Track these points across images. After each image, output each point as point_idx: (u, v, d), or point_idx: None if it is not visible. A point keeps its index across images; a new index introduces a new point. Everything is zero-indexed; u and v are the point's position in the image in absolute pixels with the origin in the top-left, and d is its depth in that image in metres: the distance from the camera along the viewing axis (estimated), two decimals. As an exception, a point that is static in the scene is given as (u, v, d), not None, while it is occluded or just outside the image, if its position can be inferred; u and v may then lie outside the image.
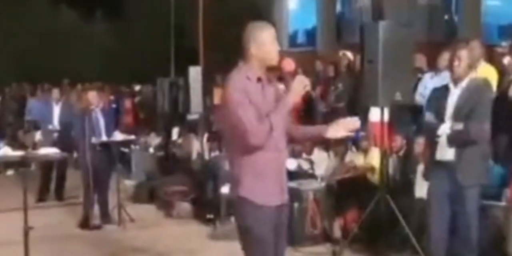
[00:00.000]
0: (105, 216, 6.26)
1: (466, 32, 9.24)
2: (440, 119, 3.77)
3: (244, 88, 2.65)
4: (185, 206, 6.55)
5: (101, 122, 6.18)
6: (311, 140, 3.16)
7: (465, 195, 3.69)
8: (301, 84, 2.71)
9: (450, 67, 3.80)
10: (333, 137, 2.83)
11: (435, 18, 10.76)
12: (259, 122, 2.61)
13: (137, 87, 12.42)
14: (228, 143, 2.82)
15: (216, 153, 7.30)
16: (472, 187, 3.70)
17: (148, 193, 7.31)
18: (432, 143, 3.84)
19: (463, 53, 3.75)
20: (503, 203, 4.25)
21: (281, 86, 2.95)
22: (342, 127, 2.78)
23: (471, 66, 3.83)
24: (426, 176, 4.13)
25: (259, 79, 2.73)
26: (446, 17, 10.93)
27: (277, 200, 2.74)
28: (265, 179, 2.69)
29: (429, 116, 3.82)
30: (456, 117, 3.64)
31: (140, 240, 5.66)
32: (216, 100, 8.29)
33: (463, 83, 3.80)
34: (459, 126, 3.65)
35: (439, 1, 10.80)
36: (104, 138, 6.12)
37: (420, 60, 6.09)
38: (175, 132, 9.05)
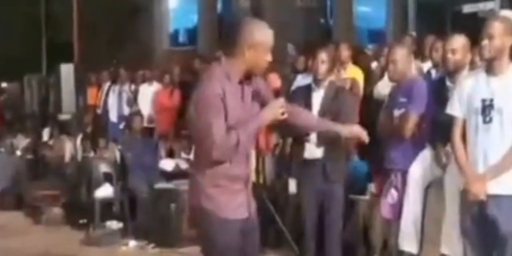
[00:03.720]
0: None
1: (340, 35, 9.72)
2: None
3: (221, 89, 2.36)
4: (56, 211, 6.20)
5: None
6: (315, 130, 3.08)
7: (332, 190, 3.87)
8: (277, 107, 2.44)
9: (312, 68, 3.96)
10: (347, 135, 2.79)
11: (312, 20, 11.18)
12: (227, 136, 2.36)
13: (3, 85, 11.55)
14: (195, 146, 2.60)
15: (90, 154, 7.00)
16: (338, 182, 3.89)
17: (15, 199, 6.89)
18: (300, 142, 3.97)
19: (323, 55, 3.92)
20: (367, 197, 4.52)
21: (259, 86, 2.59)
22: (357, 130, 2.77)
23: (332, 68, 4.00)
24: (296, 174, 4.27)
25: (240, 81, 2.45)
26: (322, 20, 11.41)
27: (242, 213, 2.50)
28: (229, 191, 2.47)
29: None
30: (323, 117, 3.79)
31: (4, 249, 5.25)
32: (90, 99, 7.98)
33: (325, 84, 3.97)
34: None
35: (315, 4, 11.24)
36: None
37: (299, 61, 6.30)
38: (45, 133, 8.58)
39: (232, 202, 2.47)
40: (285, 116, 2.46)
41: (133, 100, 7.50)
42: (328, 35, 10.46)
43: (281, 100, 2.48)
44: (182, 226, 5.27)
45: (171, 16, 13.53)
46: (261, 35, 2.43)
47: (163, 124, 7.15)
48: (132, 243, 5.32)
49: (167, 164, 6.13)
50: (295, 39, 8.20)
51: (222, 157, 2.40)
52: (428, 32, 5.74)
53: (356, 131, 2.77)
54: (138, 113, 6.64)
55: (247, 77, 2.47)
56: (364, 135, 2.79)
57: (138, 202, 5.58)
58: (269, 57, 2.45)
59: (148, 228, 5.40)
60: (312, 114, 2.72)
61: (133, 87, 7.76)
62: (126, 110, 7.49)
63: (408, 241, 3.70)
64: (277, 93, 2.47)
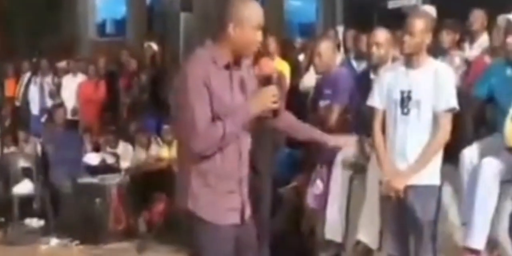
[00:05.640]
0: None
1: (270, 28, 9.76)
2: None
3: (206, 75, 2.11)
4: (-30, 210, 5.86)
5: None
6: (310, 141, 2.53)
7: (259, 181, 3.88)
8: (268, 95, 2.14)
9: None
10: (335, 145, 2.46)
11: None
12: (211, 126, 2.09)
13: None
14: (179, 139, 2.30)
15: (10, 149, 6.65)
16: (265, 173, 3.92)
17: None
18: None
19: None
20: (295, 184, 4.56)
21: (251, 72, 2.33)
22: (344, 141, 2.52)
23: (257, 60, 4.00)
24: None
25: (227, 66, 2.18)
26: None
27: (234, 218, 2.20)
28: (219, 192, 2.17)
29: None
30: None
31: None
32: (8, 91, 7.59)
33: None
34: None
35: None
36: None
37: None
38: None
39: (222, 205, 2.17)
40: (277, 105, 2.17)
41: (56, 92, 7.19)
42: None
43: (273, 88, 2.18)
44: (108, 222, 5.17)
45: (98, 6, 13.12)
46: (247, 11, 2.16)
47: (88, 117, 6.92)
48: (54, 241, 5.15)
49: (92, 158, 5.94)
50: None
51: (205, 150, 2.11)
52: (355, 26, 5.87)
53: (343, 142, 2.55)
54: (61, 105, 6.40)
55: (236, 61, 2.21)
56: (349, 144, 2.67)
57: (61, 197, 5.39)
58: (259, 37, 2.18)
59: (72, 225, 5.24)
60: (297, 119, 2.41)
61: (56, 78, 7.44)
62: (49, 103, 7.18)
63: (333, 230, 3.77)
64: (269, 80, 2.14)
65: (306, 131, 2.42)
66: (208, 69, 2.13)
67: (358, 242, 3.59)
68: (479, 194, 2.93)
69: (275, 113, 2.22)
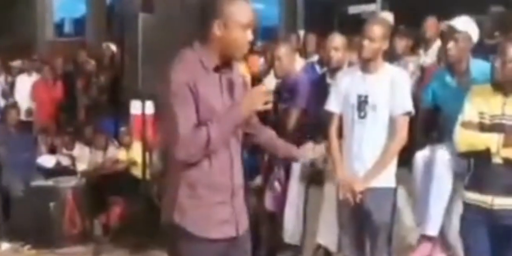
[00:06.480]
0: None
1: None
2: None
3: (192, 79, 1.94)
4: None
5: None
6: (280, 156, 2.43)
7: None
8: (259, 95, 1.97)
9: None
10: (303, 158, 2.41)
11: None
12: (194, 131, 1.93)
13: None
14: (165, 146, 2.20)
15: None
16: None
17: None
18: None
19: None
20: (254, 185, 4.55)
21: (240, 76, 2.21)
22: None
23: None
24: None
25: (216, 68, 2.02)
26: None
27: (226, 231, 2.03)
28: (208, 204, 2.00)
29: None
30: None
31: None
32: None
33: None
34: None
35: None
36: None
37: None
38: None
39: (212, 218, 2.00)
40: (269, 106, 2.01)
41: (9, 91, 6.99)
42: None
43: (263, 87, 2.06)
44: (62, 225, 5.05)
45: (57, 5, 12.83)
46: (233, 9, 1.97)
47: (44, 117, 6.75)
48: (5, 245, 4.98)
49: (47, 161, 5.79)
50: (187, 35, 8.10)
51: (188, 157, 1.94)
52: (316, 31, 5.93)
53: (318, 151, 2.52)
54: (14, 105, 6.20)
55: (226, 63, 2.05)
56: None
57: (12, 200, 5.22)
58: (249, 36, 2.00)
59: (24, 229, 5.07)
60: (277, 137, 2.31)
61: (9, 78, 7.23)
62: (1, 103, 6.97)
63: (290, 233, 3.78)
64: (258, 79, 2.03)
65: (287, 149, 2.30)
66: (195, 72, 1.97)
67: (319, 246, 3.62)
68: (434, 182, 2.96)
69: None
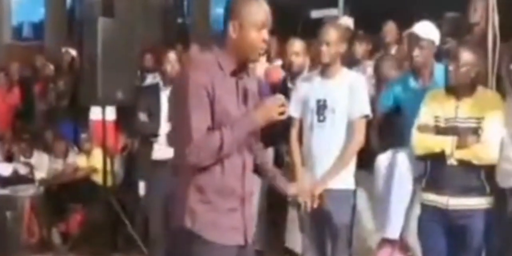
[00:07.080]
0: None
1: (196, 36, 9.73)
2: (155, 118, 3.82)
3: (210, 82, 1.91)
4: None
5: None
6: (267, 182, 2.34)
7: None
8: (275, 105, 1.95)
9: (160, 69, 3.94)
10: (295, 194, 2.32)
11: (169, 20, 11.07)
12: (208, 135, 1.91)
13: None
14: (175, 147, 2.08)
15: None
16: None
17: None
18: (147, 143, 3.87)
19: (171, 56, 3.92)
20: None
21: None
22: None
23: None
24: (144, 176, 4.16)
25: (233, 72, 1.99)
26: (179, 19, 11.37)
27: (235, 238, 2.01)
28: (219, 209, 1.98)
29: (142, 116, 3.86)
30: (171, 117, 3.74)
31: None
32: None
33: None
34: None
35: (172, 5, 11.15)
36: None
37: (149, 60, 6.17)
38: None
39: (223, 223, 1.98)
40: (285, 116, 1.98)
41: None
42: (186, 35, 10.44)
43: (280, 97, 2.00)
44: (20, 234, 4.93)
45: (15, 8, 12.54)
46: (247, 8, 1.95)
47: (0, 124, 6.55)
48: (-41, 256, 4.81)
49: (3, 169, 5.62)
50: (149, 37, 8.03)
51: (200, 161, 1.91)
52: (279, 35, 5.96)
53: (303, 189, 2.46)
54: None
55: (242, 67, 2.02)
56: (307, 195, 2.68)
57: (-33, 211, 5.05)
58: (265, 36, 1.97)
59: (-21, 239, 4.92)
60: (271, 162, 2.32)
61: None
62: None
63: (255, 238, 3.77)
64: (277, 88, 2.01)
65: (274, 177, 2.22)
66: (213, 75, 1.94)
67: (286, 250, 3.63)
68: (395, 185, 3.01)
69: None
